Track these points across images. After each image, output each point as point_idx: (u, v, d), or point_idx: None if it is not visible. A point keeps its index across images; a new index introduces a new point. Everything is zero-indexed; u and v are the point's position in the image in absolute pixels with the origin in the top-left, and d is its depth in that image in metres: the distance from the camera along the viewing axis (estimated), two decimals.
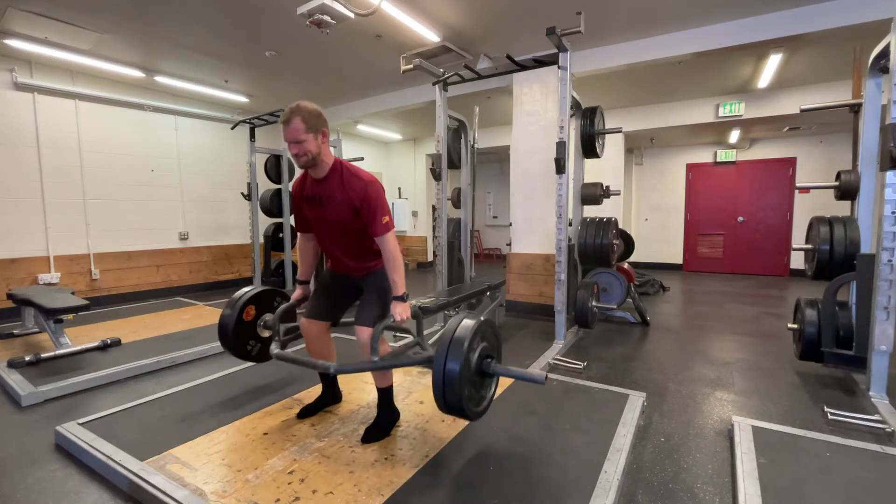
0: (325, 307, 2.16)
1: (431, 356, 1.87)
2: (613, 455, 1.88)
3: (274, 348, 2.10)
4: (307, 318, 2.14)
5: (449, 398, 1.66)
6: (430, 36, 4.03)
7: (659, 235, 8.55)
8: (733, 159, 7.85)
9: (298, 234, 2.24)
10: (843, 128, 6.72)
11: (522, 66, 3.57)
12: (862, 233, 2.73)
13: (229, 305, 2.29)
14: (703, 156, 8.14)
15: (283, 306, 2.22)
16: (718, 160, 7.94)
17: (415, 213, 9.27)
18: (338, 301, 2.20)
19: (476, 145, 4.57)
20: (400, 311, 1.94)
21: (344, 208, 1.93)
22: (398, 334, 3.02)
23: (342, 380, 2.49)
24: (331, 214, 1.97)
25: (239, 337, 2.30)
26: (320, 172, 1.96)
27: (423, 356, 1.92)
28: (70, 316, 3.66)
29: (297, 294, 2.24)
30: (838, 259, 2.74)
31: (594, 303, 3.91)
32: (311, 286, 2.29)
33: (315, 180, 2.00)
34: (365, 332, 1.96)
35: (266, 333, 2.43)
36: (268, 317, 2.41)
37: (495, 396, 2.51)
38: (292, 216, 2.23)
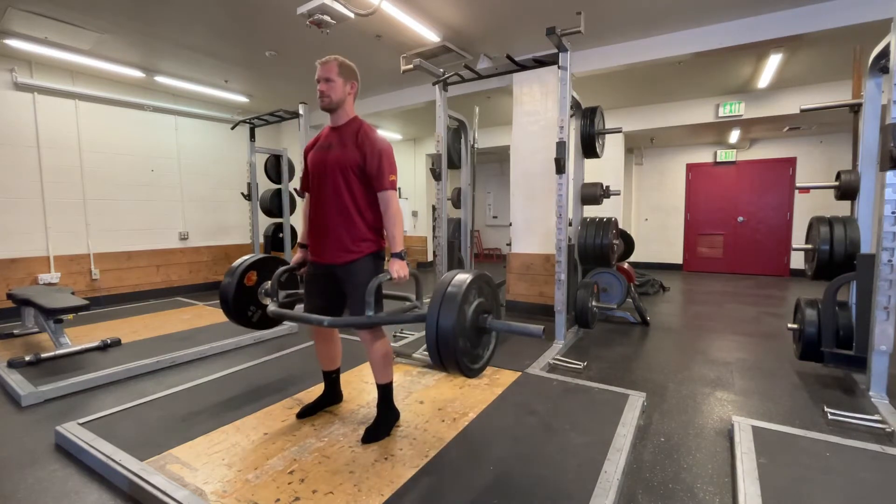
0: (321, 306, 2.11)
1: (425, 314, 1.77)
2: (613, 455, 1.88)
3: (271, 306, 2.08)
4: None
5: (443, 351, 1.59)
6: (430, 36, 4.03)
7: (659, 235, 8.55)
8: (733, 159, 7.85)
9: (305, 199, 2.21)
10: (843, 128, 6.71)
11: (522, 66, 3.57)
12: (862, 233, 2.73)
13: (230, 272, 2.32)
14: (703, 156, 8.14)
15: (281, 268, 2.20)
16: (718, 160, 7.94)
17: (415, 213, 9.26)
18: (330, 298, 2.13)
19: (476, 145, 4.57)
20: (398, 269, 1.91)
21: (351, 154, 1.94)
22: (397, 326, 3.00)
23: (343, 380, 2.49)
24: (335, 157, 1.96)
25: (240, 303, 2.33)
26: (339, 120, 2.03)
27: (418, 313, 1.84)
28: (70, 316, 3.66)
29: (297, 257, 2.23)
30: (838, 259, 2.74)
31: (594, 303, 3.91)
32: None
33: (331, 130, 2.05)
34: (366, 335, 2.00)
35: (267, 300, 2.41)
36: (269, 284, 2.39)
37: (493, 410, 2.50)
38: (301, 175, 2.23)
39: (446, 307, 1.58)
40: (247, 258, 2.40)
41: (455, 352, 1.58)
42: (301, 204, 2.30)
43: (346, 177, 1.95)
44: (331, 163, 1.97)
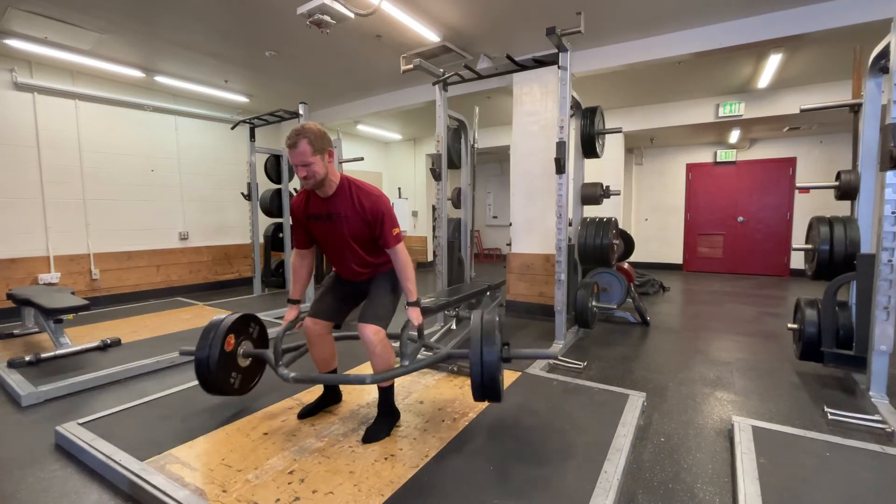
0: (329, 307, 2.18)
1: (451, 353, 2.10)
2: (613, 455, 1.88)
3: (288, 373, 2.02)
4: (311, 317, 2.17)
5: (488, 385, 1.83)
6: (430, 36, 4.03)
7: (659, 235, 8.55)
8: (733, 159, 7.85)
9: (294, 251, 2.23)
10: (843, 128, 6.71)
11: (522, 66, 3.57)
12: (862, 233, 2.73)
13: (205, 337, 2.13)
14: (703, 156, 8.14)
15: (279, 331, 2.13)
16: (718, 160, 7.94)
17: (415, 213, 9.26)
18: (342, 302, 2.23)
19: (476, 145, 4.57)
20: (416, 316, 2.07)
21: (357, 224, 1.99)
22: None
23: None
24: (343, 230, 2.01)
25: (223, 371, 2.15)
26: (328, 191, 2.00)
27: (458, 352, 2.06)
28: (70, 316, 3.65)
29: (289, 315, 2.20)
30: (838, 259, 2.74)
31: (594, 303, 3.91)
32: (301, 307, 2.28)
33: (321, 198, 2.03)
34: (368, 330, 1.98)
35: (245, 363, 2.31)
36: (246, 345, 2.31)
37: (493, 411, 2.51)
38: (293, 232, 2.23)
39: (487, 345, 1.82)
40: (222, 319, 2.19)
41: (497, 382, 1.82)
42: (293, 257, 2.27)
43: (359, 242, 2.05)
44: (340, 235, 2.03)
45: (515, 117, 4.71)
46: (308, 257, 2.25)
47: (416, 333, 2.16)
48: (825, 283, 2.75)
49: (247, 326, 2.34)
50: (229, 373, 2.22)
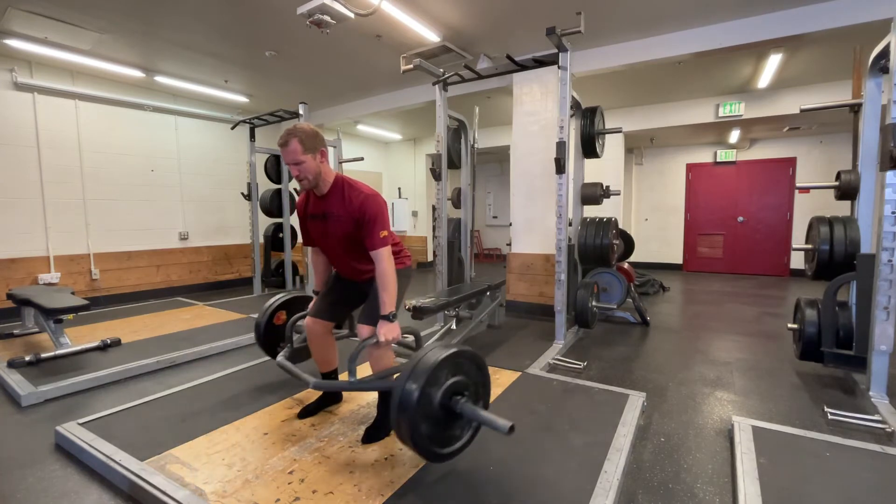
0: (328, 307, 2.21)
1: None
2: (613, 455, 1.88)
3: (279, 357, 2.18)
4: (311, 316, 2.19)
5: (402, 431, 1.50)
6: (430, 36, 4.03)
7: (659, 235, 8.55)
8: (733, 159, 7.85)
9: (308, 248, 2.30)
10: (843, 128, 6.71)
11: (522, 66, 3.57)
12: (862, 233, 2.73)
13: (263, 311, 2.55)
14: (703, 156, 8.14)
15: (294, 317, 2.30)
16: (718, 160, 7.94)
17: (415, 213, 9.27)
18: (342, 302, 2.25)
19: (476, 145, 4.57)
20: (385, 332, 1.89)
21: (347, 223, 1.98)
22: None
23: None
24: (335, 229, 2.01)
25: (270, 339, 2.57)
26: (322, 189, 2.01)
27: (392, 384, 1.78)
28: (70, 316, 3.65)
29: (312, 305, 2.31)
30: (838, 259, 2.74)
31: (594, 303, 3.91)
32: None
33: (318, 197, 2.05)
34: (367, 331, 1.98)
35: (297, 336, 2.55)
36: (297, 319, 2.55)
37: (492, 411, 2.50)
38: (301, 231, 2.36)
39: (409, 387, 1.49)
40: (277, 297, 2.57)
41: (415, 434, 1.48)
42: (309, 253, 2.39)
43: (353, 241, 2.04)
44: (334, 235, 2.04)
45: (515, 117, 4.71)
46: (322, 253, 2.28)
47: (412, 339, 2.15)
48: (825, 283, 2.75)
49: (303, 307, 2.58)
50: (276, 342, 2.59)
